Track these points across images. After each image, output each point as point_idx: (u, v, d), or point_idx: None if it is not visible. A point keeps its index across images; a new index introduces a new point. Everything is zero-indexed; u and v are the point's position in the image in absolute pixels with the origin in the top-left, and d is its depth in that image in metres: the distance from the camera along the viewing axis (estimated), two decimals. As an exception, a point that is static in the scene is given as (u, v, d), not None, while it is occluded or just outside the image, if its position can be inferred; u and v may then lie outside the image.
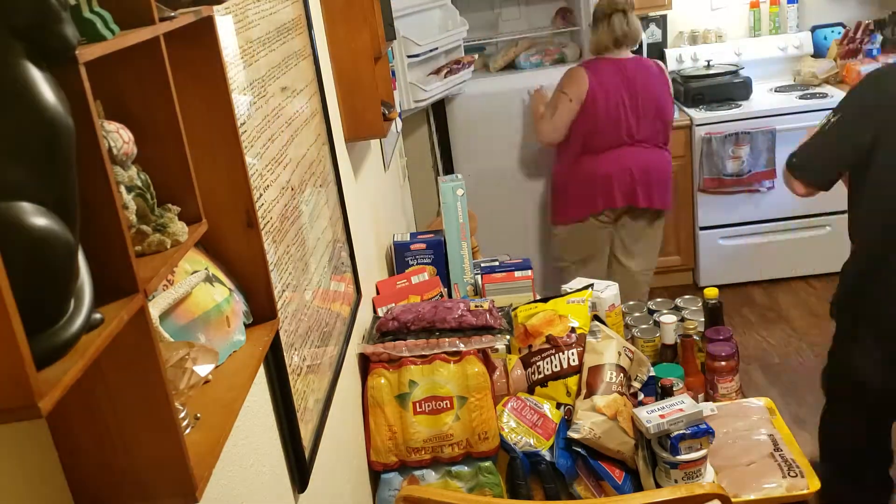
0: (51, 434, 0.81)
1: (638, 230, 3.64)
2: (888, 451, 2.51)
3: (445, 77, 3.48)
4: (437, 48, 3.41)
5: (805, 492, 1.80)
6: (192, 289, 1.01)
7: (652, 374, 1.99)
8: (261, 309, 1.16)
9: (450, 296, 2.48)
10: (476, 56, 3.92)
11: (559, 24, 4.23)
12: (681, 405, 1.75)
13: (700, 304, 2.33)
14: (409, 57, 3.18)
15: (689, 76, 4.41)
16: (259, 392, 1.23)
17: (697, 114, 4.21)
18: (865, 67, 4.22)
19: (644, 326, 2.26)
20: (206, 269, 1.07)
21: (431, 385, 1.85)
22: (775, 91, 4.40)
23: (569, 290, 2.16)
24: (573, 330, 1.96)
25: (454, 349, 1.87)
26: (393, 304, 2.19)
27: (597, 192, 3.52)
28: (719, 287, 2.45)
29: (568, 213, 3.64)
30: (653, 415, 1.73)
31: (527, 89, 3.94)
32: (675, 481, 1.74)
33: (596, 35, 3.49)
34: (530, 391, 1.97)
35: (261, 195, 1.29)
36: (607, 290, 2.21)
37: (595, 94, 3.40)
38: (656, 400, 1.91)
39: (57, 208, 0.65)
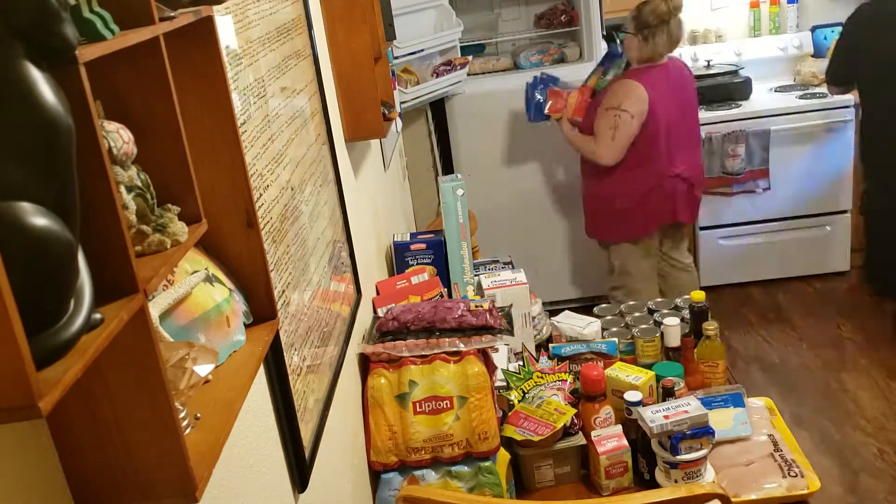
0: (51, 434, 0.81)
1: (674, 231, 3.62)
2: None
3: (436, 78, 3.47)
4: (421, 50, 3.38)
5: (805, 492, 1.80)
6: (192, 289, 1.01)
7: None
8: (261, 309, 1.15)
9: (450, 296, 2.48)
10: (471, 57, 3.91)
11: (544, 27, 4.22)
12: (686, 407, 1.75)
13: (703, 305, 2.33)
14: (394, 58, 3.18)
15: (689, 76, 4.41)
16: (259, 392, 1.23)
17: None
18: (865, 67, 4.24)
19: (644, 326, 2.26)
20: (206, 269, 1.07)
21: (431, 385, 1.85)
22: (775, 91, 4.41)
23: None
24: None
25: (454, 349, 1.87)
26: (393, 305, 2.19)
27: (664, 205, 3.39)
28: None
29: (631, 228, 3.44)
30: (657, 415, 1.73)
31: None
32: (675, 481, 1.74)
33: (652, 42, 3.27)
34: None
35: (261, 195, 1.29)
36: (589, 328, 2.24)
37: (655, 108, 3.27)
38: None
39: (57, 208, 0.65)
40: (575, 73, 3.98)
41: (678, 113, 3.37)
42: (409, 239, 2.59)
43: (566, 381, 2.01)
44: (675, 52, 4.48)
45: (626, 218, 3.42)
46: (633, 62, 3.39)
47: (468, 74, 3.85)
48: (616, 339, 2.18)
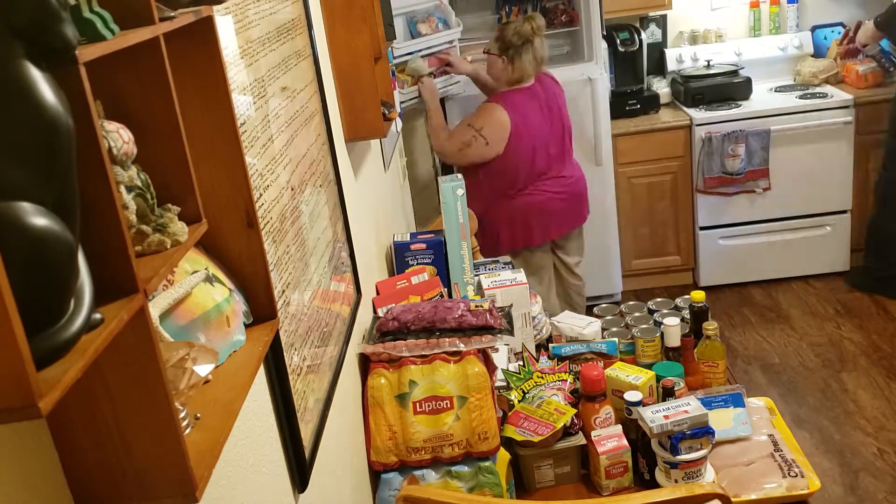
0: (51, 434, 0.81)
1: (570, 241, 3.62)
2: None
3: (435, 79, 3.47)
4: (412, 52, 3.38)
5: (805, 492, 1.80)
6: (192, 289, 1.01)
7: None
8: (261, 309, 1.15)
9: (450, 296, 2.48)
10: (469, 58, 3.90)
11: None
12: (686, 407, 1.75)
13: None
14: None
15: (689, 76, 4.41)
16: (259, 392, 1.23)
17: (697, 114, 4.21)
18: (865, 67, 4.23)
19: (644, 326, 2.26)
20: (206, 269, 1.07)
21: (431, 385, 1.85)
22: (775, 91, 4.41)
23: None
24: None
25: (454, 349, 1.87)
26: (393, 305, 2.19)
27: (533, 225, 3.40)
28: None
29: (511, 242, 3.45)
30: (657, 415, 1.73)
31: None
32: (675, 481, 1.74)
33: (519, 64, 3.25)
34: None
35: (261, 195, 1.29)
36: (589, 328, 2.24)
37: (518, 134, 3.25)
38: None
39: (57, 208, 0.65)
40: (575, 73, 3.98)
41: (549, 130, 3.35)
42: (409, 239, 2.59)
43: (566, 380, 2.01)
44: (676, 52, 4.51)
45: (501, 237, 3.42)
46: (499, 85, 3.37)
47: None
48: (616, 339, 2.18)
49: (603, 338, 2.25)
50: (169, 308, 0.98)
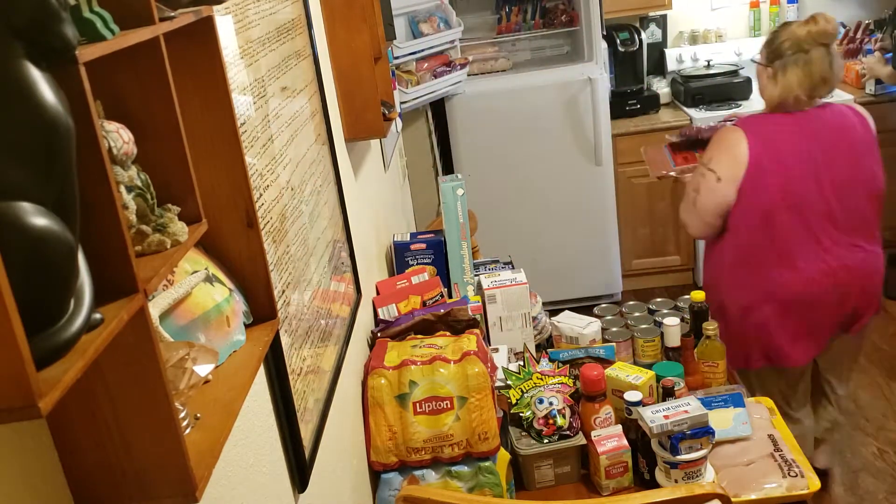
0: (51, 434, 0.81)
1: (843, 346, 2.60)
2: None
3: (435, 79, 3.47)
4: (414, 52, 3.38)
5: (805, 492, 1.80)
6: (192, 289, 1.01)
7: None
8: (261, 309, 1.15)
9: (450, 296, 2.48)
10: (470, 58, 3.91)
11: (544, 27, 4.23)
12: (686, 407, 1.75)
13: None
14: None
15: (689, 76, 4.41)
16: (259, 392, 1.23)
17: (697, 114, 4.21)
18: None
19: (644, 326, 2.26)
20: (206, 269, 1.07)
21: (431, 385, 1.85)
22: (775, 91, 4.39)
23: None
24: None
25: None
26: (393, 304, 2.20)
27: (791, 322, 2.44)
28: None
29: (734, 355, 2.36)
30: (657, 415, 1.73)
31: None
32: (675, 481, 1.74)
33: (783, 78, 2.38)
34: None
35: (261, 195, 1.29)
36: (589, 328, 2.23)
37: (759, 168, 2.35)
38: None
39: (57, 208, 0.65)
40: (575, 73, 3.98)
41: (822, 181, 2.37)
42: (409, 239, 2.59)
43: (566, 384, 2.00)
44: (676, 52, 4.51)
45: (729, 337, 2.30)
46: (765, 104, 2.52)
47: (468, 75, 3.85)
48: (614, 346, 2.18)
49: (603, 338, 2.25)
50: (169, 308, 0.98)
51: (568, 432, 1.90)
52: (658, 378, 1.98)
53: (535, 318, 2.34)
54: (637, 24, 4.44)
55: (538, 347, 2.31)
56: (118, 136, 0.79)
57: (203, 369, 0.92)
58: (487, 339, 2.26)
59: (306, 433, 1.40)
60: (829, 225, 2.38)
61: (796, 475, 1.82)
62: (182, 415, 0.90)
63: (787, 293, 2.40)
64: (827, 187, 2.36)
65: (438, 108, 4.05)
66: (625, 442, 1.84)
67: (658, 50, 4.56)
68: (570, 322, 2.29)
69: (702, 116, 4.18)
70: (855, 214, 2.40)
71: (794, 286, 2.40)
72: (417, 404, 1.86)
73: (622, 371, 1.98)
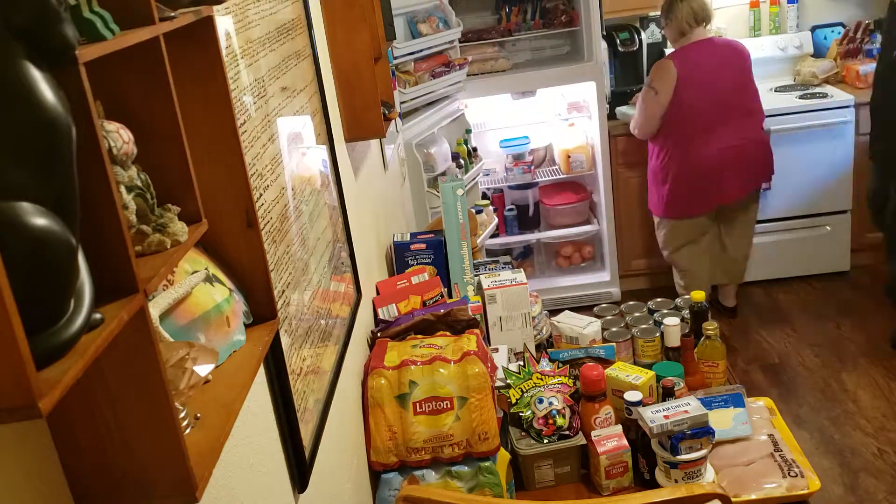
0: (51, 434, 0.81)
1: (736, 212, 3.82)
2: None
3: (433, 79, 3.47)
4: (413, 52, 3.37)
5: (805, 492, 1.80)
6: (192, 289, 1.01)
7: None
8: (261, 309, 1.15)
9: (450, 296, 2.48)
10: (469, 58, 3.91)
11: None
12: (686, 407, 1.75)
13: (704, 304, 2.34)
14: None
15: (689, 76, 4.43)
16: (259, 392, 1.23)
17: (697, 114, 4.21)
18: (865, 67, 4.22)
19: (644, 326, 2.26)
20: (206, 269, 1.07)
21: (432, 385, 1.85)
22: (775, 91, 4.40)
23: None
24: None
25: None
26: (393, 304, 2.20)
27: (709, 188, 3.64)
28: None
29: (677, 208, 3.74)
30: (657, 415, 1.73)
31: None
32: (675, 481, 1.74)
33: (673, 17, 3.57)
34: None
35: (261, 195, 1.29)
36: (589, 327, 2.24)
37: (685, 81, 3.50)
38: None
39: (57, 208, 0.65)
40: (574, 73, 3.98)
41: (718, 88, 3.54)
42: (409, 239, 2.58)
43: (566, 384, 2.00)
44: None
45: (674, 197, 3.69)
46: (671, 43, 3.78)
47: (468, 75, 3.85)
48: (614, 346, 2.18)
49: (603, 338, 2.25)
50: (169, 308, 0.98)
51: (568, 432, 1.91)
52: (658, 378, 1.98)
53: (534, 318, 2.34)
54: (637, 24, 4.43)
55: (538, 347, 2.30)
56: (118, 136, 0.80)
57: (203, 369, 0.92)
58: (487, 339, 2.26)
59: (306, 433, 1.40)
60: (728, 112, 3.59)
61: (796, 475, 1.82)
62: (182, 415, 0.90)
63: (699, 162, 3.64)
64: (728, 87, 3.59)
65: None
66: (625, 442, 1.84)
67: (658, 50, 4.55)
68: (570, 322, 2.29)
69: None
70: (743, 105, 3.63)
71: (704, 157, 3.62)
72: (417, 404, 1.86)
73: (622, 371, 1.98)
